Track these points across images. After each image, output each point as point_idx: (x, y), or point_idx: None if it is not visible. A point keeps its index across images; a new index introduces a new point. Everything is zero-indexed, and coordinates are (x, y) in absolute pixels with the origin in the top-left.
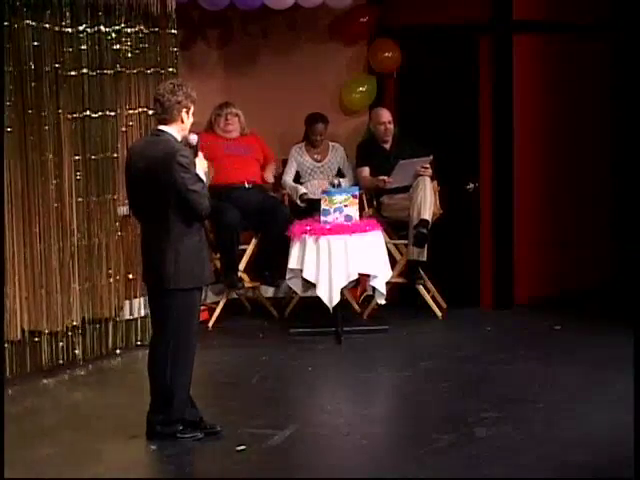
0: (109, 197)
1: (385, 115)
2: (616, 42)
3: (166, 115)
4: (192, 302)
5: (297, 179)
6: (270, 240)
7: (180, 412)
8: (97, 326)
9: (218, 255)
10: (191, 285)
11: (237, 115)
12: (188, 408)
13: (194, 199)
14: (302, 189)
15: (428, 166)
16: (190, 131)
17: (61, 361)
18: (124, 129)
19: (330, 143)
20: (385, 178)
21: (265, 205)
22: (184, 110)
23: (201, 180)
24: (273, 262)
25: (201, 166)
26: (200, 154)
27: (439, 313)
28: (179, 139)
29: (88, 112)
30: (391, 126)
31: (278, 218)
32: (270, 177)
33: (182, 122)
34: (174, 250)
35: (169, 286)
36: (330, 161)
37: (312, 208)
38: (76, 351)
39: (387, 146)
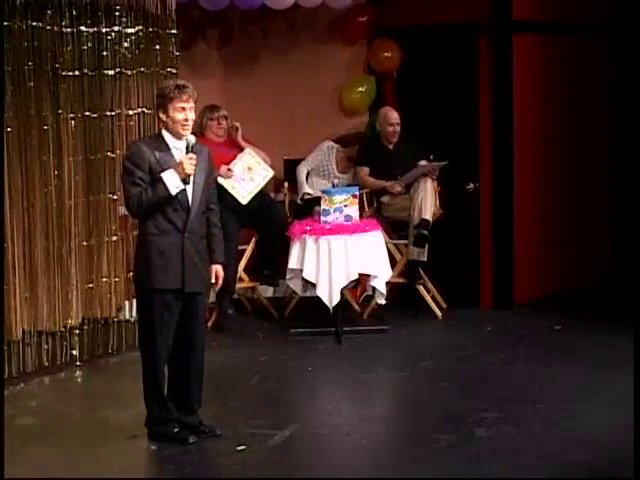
0: (109, 197)
1: (394, 116)
2: (616, 42)
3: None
4: (150, 302)
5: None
6: (267, 239)
7: (153, 413)
8: (97, 326)
9: None
10: (141, 284)
11: (226, 118)
12: (170, 410)
13: (125, 201)
14: (307, 188)
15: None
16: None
17: (60, 361)
18: (124, 129)
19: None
20: (397, 188)
21: (260, 204)
22: (160, 110)
23: (143, 183)
24: (272, 261)
25: (181, 168)
26: (191, 155)
27: (439, 313)
28: (167, 137)
29: (88, 112)
30: (399, 128)
31: (273, 217)
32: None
33: (163, 122)
34: (138, 247)
35: (134, 280)
36: (347, 178)
37: (311, 207)
38: (74, 351)
39: (390, 146)
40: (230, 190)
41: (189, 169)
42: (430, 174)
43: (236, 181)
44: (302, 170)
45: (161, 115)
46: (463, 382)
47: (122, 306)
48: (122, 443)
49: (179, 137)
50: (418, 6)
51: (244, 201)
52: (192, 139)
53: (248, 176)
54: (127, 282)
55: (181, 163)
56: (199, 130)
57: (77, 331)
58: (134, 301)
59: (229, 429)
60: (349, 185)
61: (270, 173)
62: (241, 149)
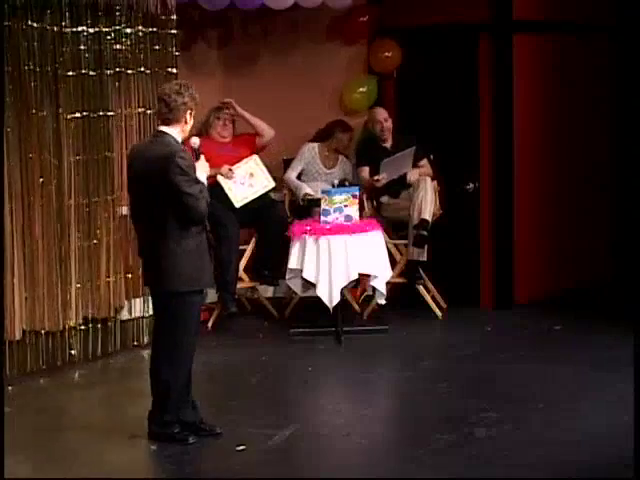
0: (109, 197)
1: (381, 113)
2: (616, 42)
3: (170, 115)
4: (190, 304)
5: (298, 177)
6: (268, 239)
7: (173, 414)
8: (97, 326)
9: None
10: (187, 288)
11: (232, 121)
12: (187, 410)
13: (189, 202)
14: (306, 188)
15: (425, 164)
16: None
17: (60, 361)
18: (124, 129)
19: (339, 155)
20: (376, 177)
21: (260, 204)
22: (189, 112)
23: (199, 183)
24: (272, 261)
25: (202, 169)
26: (202, 157)
27: (439, 313)
28: (179, 140)
29: (88, 112)
30: (387, 124)
31: (274, 217)
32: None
33: (185, 123)
34: (171, 252)
35: (166, 288)
36: (337, 172)
37: (311, 207)
38: (73, 351)
39: (388, 145)
40: (227, 190)
41: (201, 173)
42: (423, 171)
43: (235, 183)
44: (291, 176)
45: (187, 116)
46: (463, 382)
47: (122, 306)
48: (122, 443)
49: (183, 139)
50: (418, 6)
51: (237, 205)
52: (197, 141)
53: (248, 182)
54: (127, 282)
55: (193, 166)
56: (203, 129)
57: (77, 331)
58: (134, 301)
59: (229, 429)
60: (343, 181)
61: (271, 184)
62: (245, 156)
